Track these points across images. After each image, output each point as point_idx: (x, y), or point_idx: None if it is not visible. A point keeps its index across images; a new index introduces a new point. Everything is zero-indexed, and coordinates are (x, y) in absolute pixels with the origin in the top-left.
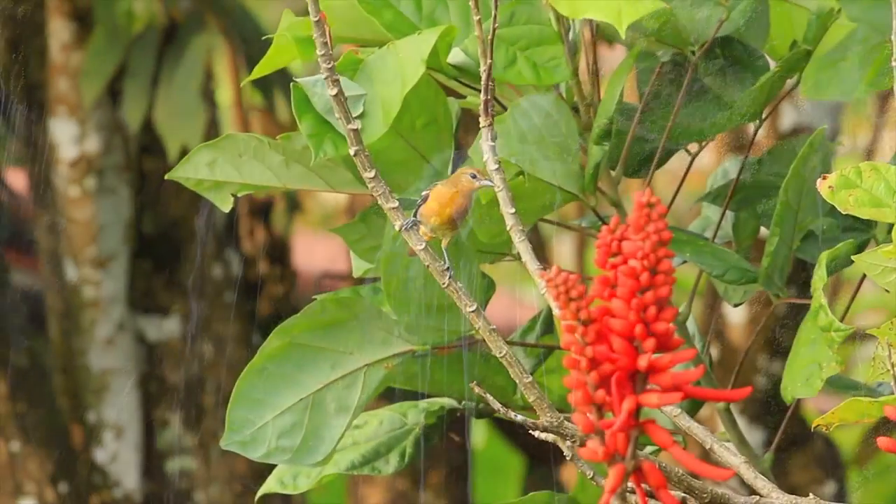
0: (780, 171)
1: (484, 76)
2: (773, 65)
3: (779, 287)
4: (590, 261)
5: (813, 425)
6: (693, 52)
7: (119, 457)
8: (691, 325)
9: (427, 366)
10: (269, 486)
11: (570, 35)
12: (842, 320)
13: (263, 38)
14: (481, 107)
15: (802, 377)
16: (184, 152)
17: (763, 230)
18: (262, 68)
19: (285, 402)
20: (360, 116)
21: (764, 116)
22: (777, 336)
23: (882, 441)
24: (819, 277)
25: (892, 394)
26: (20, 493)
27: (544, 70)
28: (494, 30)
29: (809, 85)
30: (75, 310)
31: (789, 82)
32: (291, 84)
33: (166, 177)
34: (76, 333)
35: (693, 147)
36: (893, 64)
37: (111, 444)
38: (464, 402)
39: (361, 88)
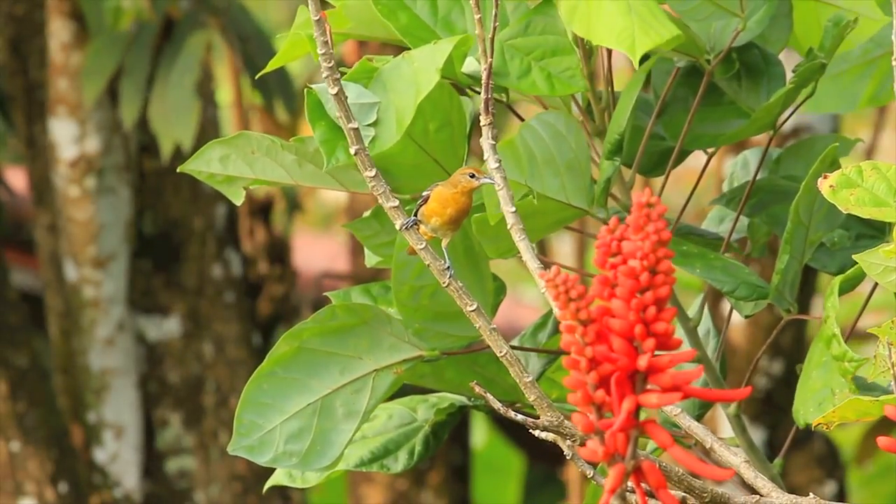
0: (794, 173)
1: (484, 75)
2: (795, 59)
3: (789, 303)
4: (590, 260)
5: (813, 425)
6: (708, 62)
7: (119, 457)
8: (706, 324)
9: (437, 365)
10: (277, 478)
11: (587, 40)
12: (851, 329)
13: (277, 36)
14: (482, 106)
15: (815, 402)
16: (177, 150)
17: None
18: (277, 62)
19: (294, 407)
20: (374, 125)
21: (778, 125)
22: (778, 339)
23: (882, 441)
24: (831, 304)
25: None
26: (20, 493)
27: (559, 81)
28: (495, 28)
29: (812, 98)
30: (75, 310)
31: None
32: (305, 90)
33: (178, 169)
34: (76, 333)
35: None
36: (894, 63)
37: (111, 444)
38: (473, 400)
39: (375, 97)
